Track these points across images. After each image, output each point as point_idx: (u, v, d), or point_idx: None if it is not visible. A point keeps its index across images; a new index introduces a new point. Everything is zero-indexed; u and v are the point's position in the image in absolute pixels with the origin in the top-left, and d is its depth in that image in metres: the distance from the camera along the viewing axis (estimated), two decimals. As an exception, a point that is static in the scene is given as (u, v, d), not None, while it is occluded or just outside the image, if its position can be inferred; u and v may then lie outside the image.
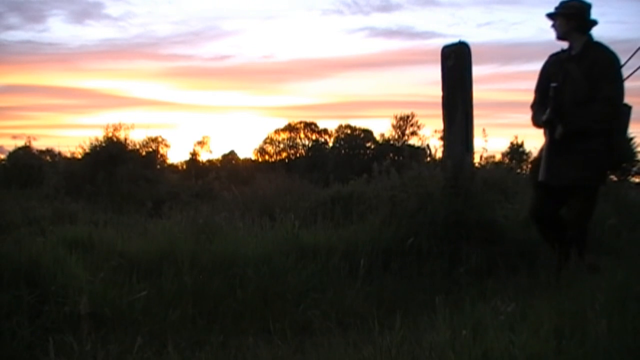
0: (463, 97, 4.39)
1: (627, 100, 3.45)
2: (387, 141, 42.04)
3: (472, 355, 1.79)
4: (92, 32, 57.32)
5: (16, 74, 49.48)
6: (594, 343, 1.85)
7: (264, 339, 2.43)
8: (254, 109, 67.64)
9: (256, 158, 42.55)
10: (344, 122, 43.98)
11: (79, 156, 11.87)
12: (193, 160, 35.98)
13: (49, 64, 55.42)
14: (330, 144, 43.42)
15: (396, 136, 43.13)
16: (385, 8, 57.68)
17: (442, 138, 4.51)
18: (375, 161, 5.26)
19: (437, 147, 5.48)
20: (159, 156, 14.28)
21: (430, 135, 38.12)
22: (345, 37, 61.95)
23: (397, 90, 63.32)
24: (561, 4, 3.55)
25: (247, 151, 55.60)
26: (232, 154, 39.58)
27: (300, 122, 44.16)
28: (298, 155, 42.61)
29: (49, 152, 17.30)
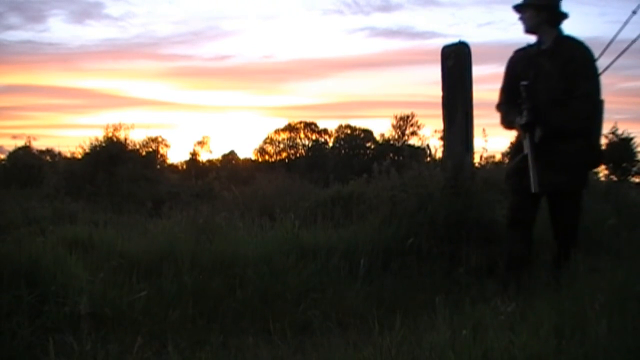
0: (463, 97, 4.39)
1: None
2: (387, 141, 42.05)
3: (472, 355, 1.79)
4: (92, 32, 57.34)
5: (16, 74, 49.50)
6: (594, 343, 1.85)
7: (264, 339, 2.43)
8: (254, 109, 67.67)
9: (256, 158, 42.56)
10: (344, 122, 44.00)
11: (79, 156, 11.88)
12: (193, 160, 36.00)
13: (49, 64, 55.44)
14: (330, 144, 43.42)
15: (396, 136, 43.13)
16: (386, 8, 57.67)
17: (442, 138, 4.51)
18: (375, 161, 5.27)
19: (437, 147, 5.47)
20: (159, 156, 14.30)
21: (430, 135, 38.16)
22: (346, 37, 61.98)
23: (397, 90, 63.35)
24: None
25: (247, 151, 55.61)
26: (232, 154, 39.61)
27: (300, 122, 44.17)
28: (298, 155, 42.61)
29: (49, 152, 17.33)
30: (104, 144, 11.60)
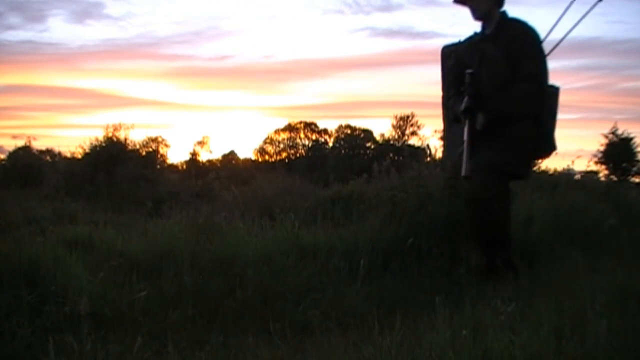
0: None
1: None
2: (387, 141, 42.09)
3: (472, 355, 1.79)
4: (92, 32, 57.39)
5: (16, 74, 49.56)
6: (594, 343, 1.85)
7: (264, 339, 2.43)
8: (253, 109, 67.73)
9: (256, 158, 42.61)
10: (344, 122, 44.07)
11: (79, 156, 11.90)
12: (193, 160, 36.02)
13: (49, 63, 55.50)
14: (330, 144, 43.45)
15: (396, 136, 43.15)
16: (386, 8, 57.70)
17: (442, 138, 4.51)
18: (375, 161, 5.26)
19: (437, 147, 5.48)
20: (159, 156, 14.32)
21: (430, 135, 38.19)
22: (346, 37, 62.01)
23: (397, 90, 63.39)
24: None
25: (247, 151, 55.63)
26: (232, 154, 39.65)
27: (300, 122, 44.24)
28: (298, 155, 42.66)
29: (49, 152, 17.34)
30: (104, 144, 11.62)
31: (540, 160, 3.49)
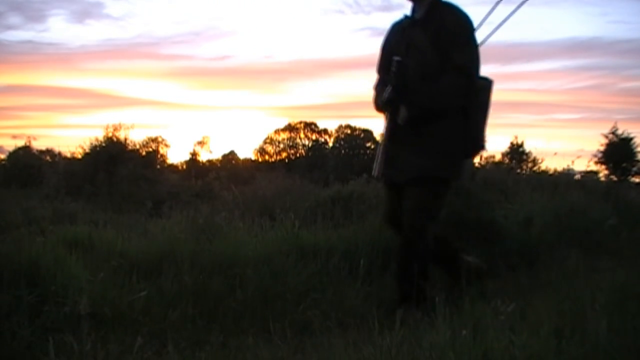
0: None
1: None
2: (387, 141, 41.97)
3: (472, 355, 1.79)
4: (92, 32, 57.37)
5: (16, 73, 49.55)
6: (594, 343, 1.85)
7: (264, 339, 2.43)
8: (253, 109, 67.71)
9: (256, 158, 42.58)
10: (344, 122, 44.06)
11: (79, 156, 11.91)
12: (193, 160, 36.00)
13: (49, 63, 55.49)
14: (330, 144, 43.45)
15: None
16: (387, 8, 57.60)
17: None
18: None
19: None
20: (159, 156, 14.32)
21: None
22: (346, 37, 62.00)
23: (397, 90, 63.23)
24: None
25: (247, 151, 55.63)
26: (232, 154, 39.62)
27: (300, 122, 44.23)
28: (298, 155, 42.64)
29: (49, 152, 17.34)
30: (104, 144, 11.63)
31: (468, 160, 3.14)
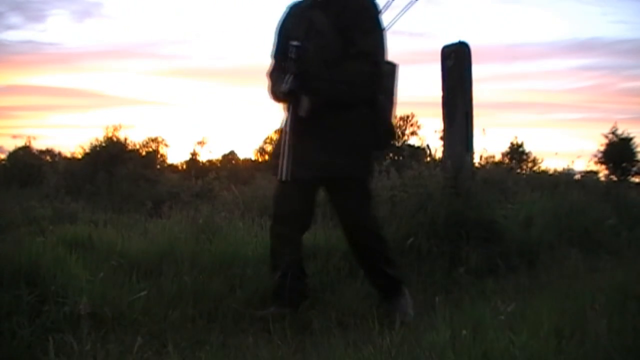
0: (463, 97, 4.39)
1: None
2: (387, 141, 42.02)
3: (472, 355, 1.79)
4: (92, 32, 57.34)
5: (16, 73, 49.49)
6: (594, 343, 1.85)
7: (264, 339, 2.43)
8: (253, 109, 67.69)
9: (256, 158, 42.49)
10: (343, 122, 44.02)
11: (79, 156, 11.91)
12: (193, 160, 35.96)
13: (49, 63, 55.42)
14: (330, 144, 43.37)
15: (396, 136, 43.17)
16: (386, 8, 57.53)
17: (442, 138, 4.52)
18: (375, 161, 5.26)
19: (437, 147, 5.48)
20: (158, 156, 14.31)
21: (430, 135, 38.21)
22: (346, 37, 61.90)
23: (397, 90, 63.28)
24: None
25: (247, 151, 55.57)
26: (232, 154, 39.57)
27: (300, 122, 44.11)
28: (298, 155, 42.53)
29: (49, 152, 17.32)
30: (104, 144, 11.63)
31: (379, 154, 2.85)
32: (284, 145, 2.56)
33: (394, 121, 2.86)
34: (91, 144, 11.68)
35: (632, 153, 27.57)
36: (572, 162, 7.79)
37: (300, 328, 2.62)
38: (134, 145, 12.22)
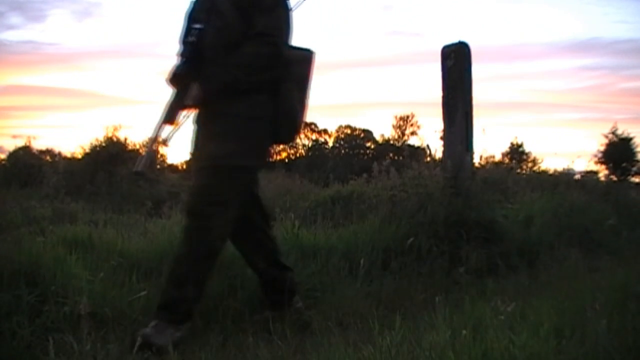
0: (463, 97, 4.39)
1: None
2: (387, 141, 42.13)
3: (472, 355, 1.79)
4: (92, 32, 57.34)
5: (16, 73, 49.54)
6: (594, 343, 1.85)
7: (264, 339, 2.43)
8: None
9: (256, 158, 42.52)
10: (344, 122, 44.11)
11: (79, 156, 11.90)
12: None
13: (49, 63, 55.49)
14: (330, 144, 43.47)
15: (396, 136, 43.20)
16: (388, 7, 57.74)
17: (442, 138, 4.52)
18: (375, 161, 5.27)
19: (437, 147, 5.49)
20: (159, 156, 14.28)
21: (430, 135, 38.26)
22: (347, 37, 62.02)
23: (397, 90, 63.43)
24: None
25: (247, 151, 55.54)
26: (232, 153, 39.58)
27: (300, 122, 44.13)
28: (298, 155, 42.63)
29: (49, 152, 17.29)
30: (104, 144, 11.62)
31: (280, 147, 2.51)
32: (153, 133, 2.35)
33: (305, 113, 2.57)
34: (91, 144, 11.68)
35: (632, 153, 27.56)
36: (572, 162, 7.81)
37: (300, 328, 2.62)
38: (134, 145, 12.21)
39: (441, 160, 4.55)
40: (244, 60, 2.35)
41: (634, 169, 27.16)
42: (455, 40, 4.46)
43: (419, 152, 12.59)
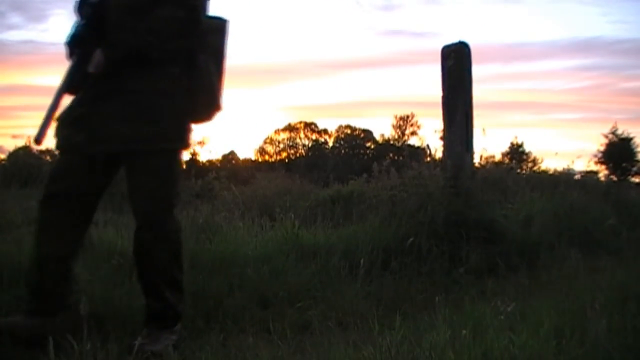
0: (463, 97, 4.40)
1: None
2: (387, 141, 42.14)
3: (472, 355, 1.79)
4: (92, 32, 57.26)
5: (17, 73, 49.54)
6: (594, 343, 1.85)
7: (264, 339, 2.43)
8: (254, 109, 67.71)
9: (256, 158, 42.54)
10: (344, 122, 44.12)
11: (79, 156, 11.88)
12: (193, 160, 35.97)
13: (50, 63, 55.43)
14: (330, 144, 43.49)
15: (396, 136, 43.22)
16: (388, 7, 57.73)
17: (442, 138, 4.52)
18: (375, 161, 5.28)
19: (437, 147, 5.49)
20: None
21: (430, 135, 38.27)
22: (347, 37, 62.03)
23: (397, 90, 63.45)
24: None
25: (247, 151, 55.59)
26: (232, 154, 39.58)
27: (300, 122, 44.23)
28: (298, 155, 42.65)
29: (49, 152, 17.29)
30: (104, 144, 11.62)
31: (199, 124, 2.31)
32: (52, 100, 2.06)
33: (223, 89, 2.34)
34: (91, 143, 11.69)
35: (632, 153, 27.60)
36: (572, 162, 7.82)
37: (300, 328, 2.62)
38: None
39: (441, 160, 4.55)
40: (158, 24, 2.06)
41: (634, 169, 27.19)
42: (455, 40, 4.47)
43: (419, 152, 12.59)
